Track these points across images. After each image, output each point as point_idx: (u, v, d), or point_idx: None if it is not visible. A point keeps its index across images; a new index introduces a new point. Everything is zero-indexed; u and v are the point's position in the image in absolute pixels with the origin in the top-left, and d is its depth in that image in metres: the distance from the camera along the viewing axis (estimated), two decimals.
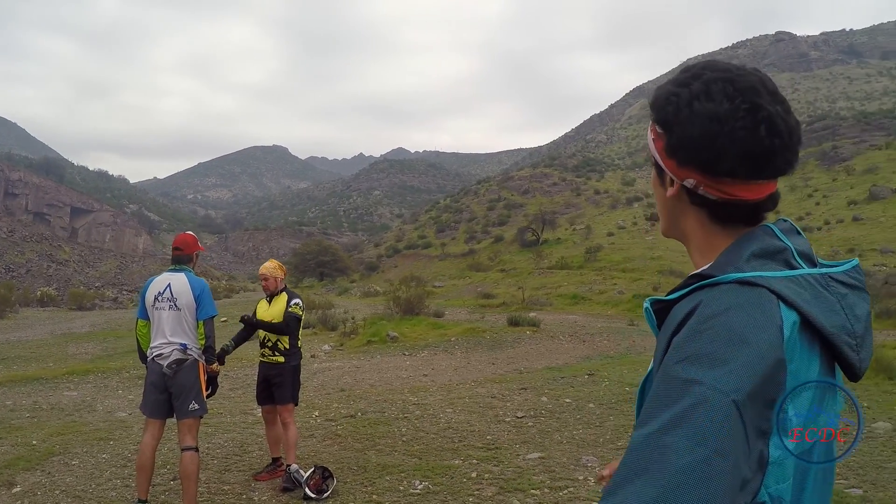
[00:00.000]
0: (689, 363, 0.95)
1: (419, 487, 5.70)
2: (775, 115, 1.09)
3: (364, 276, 69.93)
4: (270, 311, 6.21)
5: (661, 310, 1.13)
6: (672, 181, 1.19)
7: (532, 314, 22.04)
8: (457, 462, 6.44)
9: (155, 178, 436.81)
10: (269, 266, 6.38)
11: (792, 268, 1.10)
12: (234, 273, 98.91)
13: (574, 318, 23.75)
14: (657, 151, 1.20)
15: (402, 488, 5.70)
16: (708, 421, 0.89)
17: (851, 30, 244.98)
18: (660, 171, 1.23)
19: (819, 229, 51.15)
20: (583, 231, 64.38)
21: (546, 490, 5.58)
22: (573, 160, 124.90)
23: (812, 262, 1.15)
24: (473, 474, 6.03)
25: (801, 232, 1.22)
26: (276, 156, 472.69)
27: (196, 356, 5.20)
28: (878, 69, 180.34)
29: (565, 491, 5.54)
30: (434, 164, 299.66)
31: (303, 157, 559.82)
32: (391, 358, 14.70)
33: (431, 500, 5.43)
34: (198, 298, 5.18)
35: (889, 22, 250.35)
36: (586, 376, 11.28)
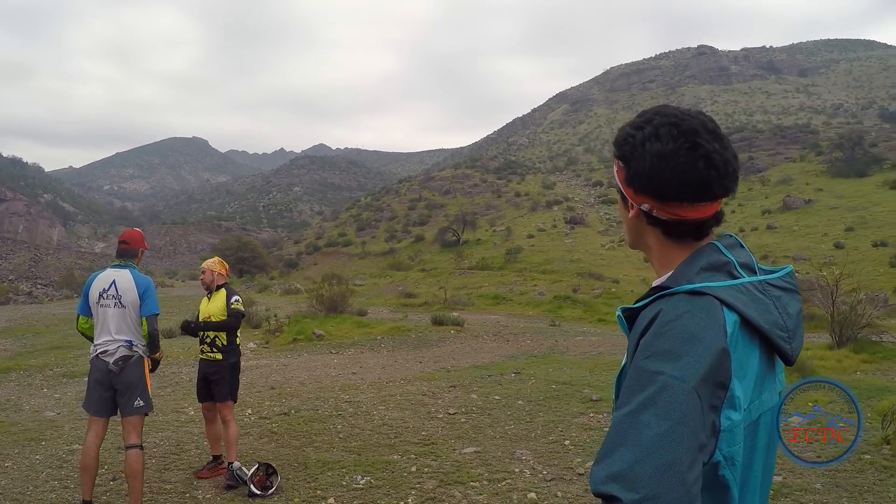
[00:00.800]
0: (654, 358, 1.21)
1: (362, 482, 5.84)
2: (712, 151, 1.36)
3: (283, 273, 68.95)
4: (209, 307, 6.22)
5: (630, 316, 1.39)
6: (631, 205, 1.46)
7: (455, 314, 22.32)
8: (395, 457, 6.60)
9: (71, 167, 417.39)
10: (210, 261, 6.45)
11: (734, 278, 1.37)
12: (151, 268, 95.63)
13: (496, 318, 24.16)
14: (619, 181, 1.48)
15: (344, 483, 5.82)
16: (670, 401, 1.15)
17: (771, 47, 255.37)
18: (623, 197, 1.50)
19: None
20: (503, 232, 65.22)
21: (485, 482, 5.82)
22: (495, 162, 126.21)
23: (752, 271, 1.43)
24: (413, 468, 6.20)
25: (744, 245, 1.50)
26: (195, 148, 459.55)
27: (141, 352, 5.19)
28: (796, 85, 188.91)
29: (503, 483, 5.79)
30: (355, 161, 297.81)
31: (223, 150, 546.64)
32: (318, 356, 14.70)
33: (375, 494, 5.58)
34: (142, 296, 5.15)
35: (808, 41, 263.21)
36: (513, 374, 11.59)
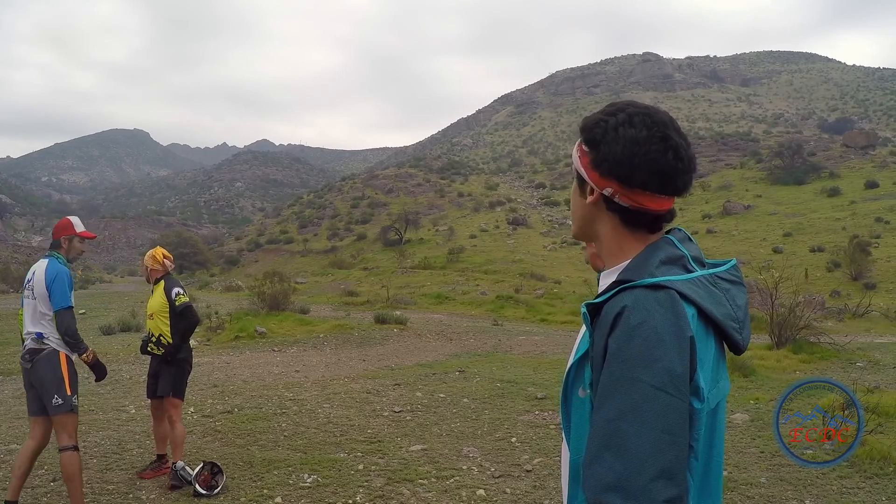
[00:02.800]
0: (629, 364, 1.24)
1: (308, 481, 5.78)
2: (680, 145, 1.43)
3: (224, 269, 67.75)
4: (151, 303, 6.04)
5: (593, 310, 1.39)
6: (592, 190, 1.49)
7: (398, 312, 22.26)
8: (342, 455, 6.55)
9: (8, 157, 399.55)
10: (148, 254, 6.22)
11: (688, 271, 1.42)
12: (90, 263, 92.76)
13: (439, 317, 24.21)
14: (582, 166, 1.50)
15: (291, 482, 5.75)
16: (653, 410, 1.21)
17: (715, 56, 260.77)
18: (581, 183, 1.53)
19: None
20: (445, 232, 65.30)
21: (433, 479, 5.82)
22: (438, 162, 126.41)
23: (702, 264, 1.49)
24: (360, 466, 6.17)
25: (692, 239, 1.56)
26: (136, 140, 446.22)
27: (55, 346, 4.80)
28: (738, 94, 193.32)
29: (451, 480, 5.81)
30: (299, 158, 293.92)
31: (164, 143, 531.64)
32: (261, 353, 14.50)
33: (322, 492, 5.53)
34: (49, 287, 4.75)
35: (751, 52, 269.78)
36: (457, 373, 11.64)
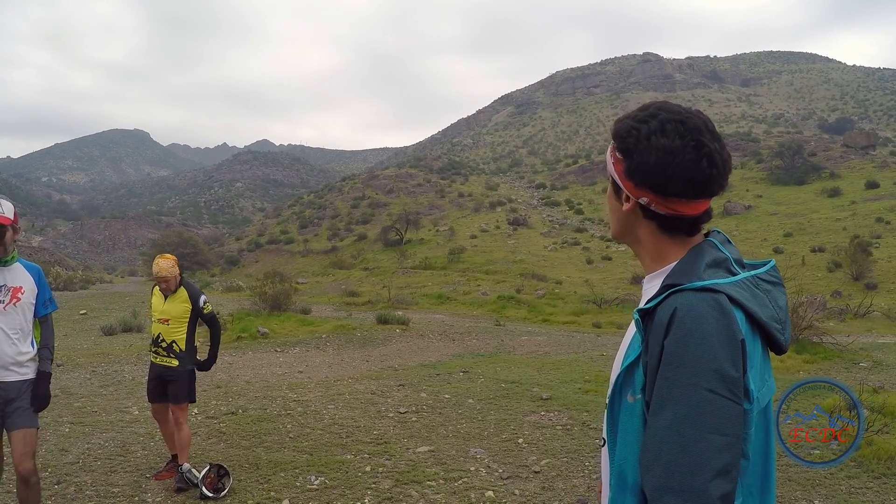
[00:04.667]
0: (685, 370, 1.26)
1: (316, 483, 5.75)
2: (714, 151, 1.41)
3: (225, 270, 67.76)
4: (168, 308, 5.78)
5: (645, 316, 1.39)
6: (628, 198, 1.49)
7: (399, 313, 22.23)
8: (348, 457, 6.52)
9: (9, 157, 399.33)
10: (166, 265, 5.74)
11: (732, 274, 1.42)
12: (91, 263, 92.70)
13: (441, 318, 24.18)
14: (617, 173, 1.50)
15: (298, 484, 5.72)
16: (710, 413, 1.22)
17: (715, 56, 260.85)
18: (616, 189, 1.53)
19: None
20: (446, 232, 65.32)
21: (441, 481, 5.79)
22: (439, 162, 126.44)
23: (742, 265, 1.48)
24: (367, 468, 6.14)
25: (731, 241, 1.55)
26: (136, 140, 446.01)
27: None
28: (738, 95, 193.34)
29: (460, 482, 5.78)
30: (299, 158, 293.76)
31: (165, 143, 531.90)
32: (263, 354, 14.46)
33: (330, 494, 5.50)
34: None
35: (751, 52, 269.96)
36: (461, 373, 11.60)
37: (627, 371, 1.42)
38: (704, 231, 1.54)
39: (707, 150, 1.40)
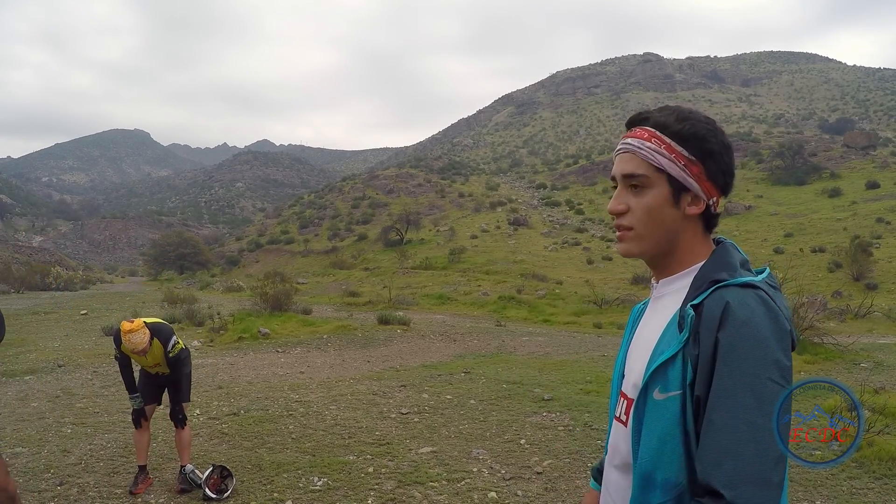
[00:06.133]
0: (747, 360, 1.28)
1: (319, 484, 5.76)
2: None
3: (225, 270, 67.70)
4: (151, 359, 5.56)
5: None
6: (696, 201, 1.49)
7: (400, 313, 22.22)
8: (351, 458, 6.53)
9: (9, 157, 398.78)
10: (138, 339, 5.29)
11: (752, 275, 1.44)
12: (91, 263, 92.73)
13: (442, 318, 24.16)
14: (692, 175, 1.47)
15: (301, 485, 5.73)
16: (773, 402, 1.28)
17: (716, 56, 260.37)
18: (677, 193, 1.48)
19: None
20: (446, 232, 65.28)
21: (444, 482, 5.80)
22: (439, 162, 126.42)
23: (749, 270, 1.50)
24: (370, 469, 6.14)
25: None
26: (137, 140, 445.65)
27: None
28: (738, 95, 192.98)
29: (463, 482, 5.79)
30: (299, 158, 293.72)
31: (165, 143, 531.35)
32: (265, 354, 14.47)
33: (333, 495, 5.50)
34: None
35: (751, 52, 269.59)
36: (462, 374, 11.60)
37: (662, 368, 1.41)
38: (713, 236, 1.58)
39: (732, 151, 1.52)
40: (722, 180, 1.49)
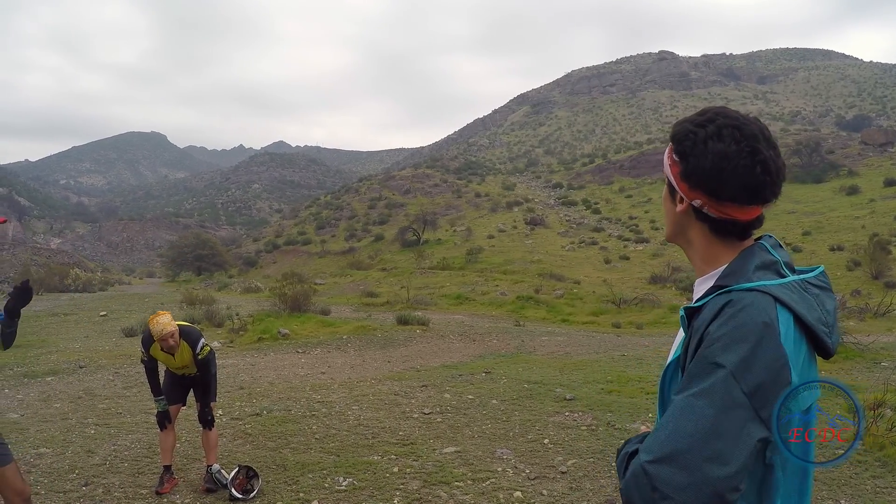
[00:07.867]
0: (714, 350, 1.28)
1: (344, 484, 5.76)
2: (769, 158, 1.43)
3: (243, 271, 67.96)
4: (181, 359, 5.63)
5: (691, 314, 1.43)
6: (682, 200, 1.51)
7: (419, 313, 22.22)
8: (375, 458, 6.52)
9: (27, 160, 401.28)
10: (165, 317, 5.49)
11: (782, 276, 1.44)
12: (108, 265, 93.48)
13: (460, 318, 24.12)
14: (672, 175, 1.52)
15: (327, 485, 5.73)
16: (721, 394, 1.24)
17: (731, 54, 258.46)
18: (671, 190, 1.55)
19: None
20: (463, 233, 65.22)
21: (469, 482, 5.78)
22: (455, 162, 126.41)
23: (792, 269, 1.50)
24: (395, 469, 6.14)
25: (783, 245, 1.57)
26: (154, 143, 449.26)
27: None
28: (754, 92, 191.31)
29: (487, 482, 5.77)
30: (315, 159, 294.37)
31: (182, 145, 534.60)
32: (285, 355, 14.51)
33: (359, 495, 5.50)
34: None
35: (767, 49, 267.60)
36: (483, 374, 11.58)
37: (674, 367, 1.47)
38: (756, 236, 1.56)
39: (762, 157, 1.42)
40: (697, 182, 1.46)
